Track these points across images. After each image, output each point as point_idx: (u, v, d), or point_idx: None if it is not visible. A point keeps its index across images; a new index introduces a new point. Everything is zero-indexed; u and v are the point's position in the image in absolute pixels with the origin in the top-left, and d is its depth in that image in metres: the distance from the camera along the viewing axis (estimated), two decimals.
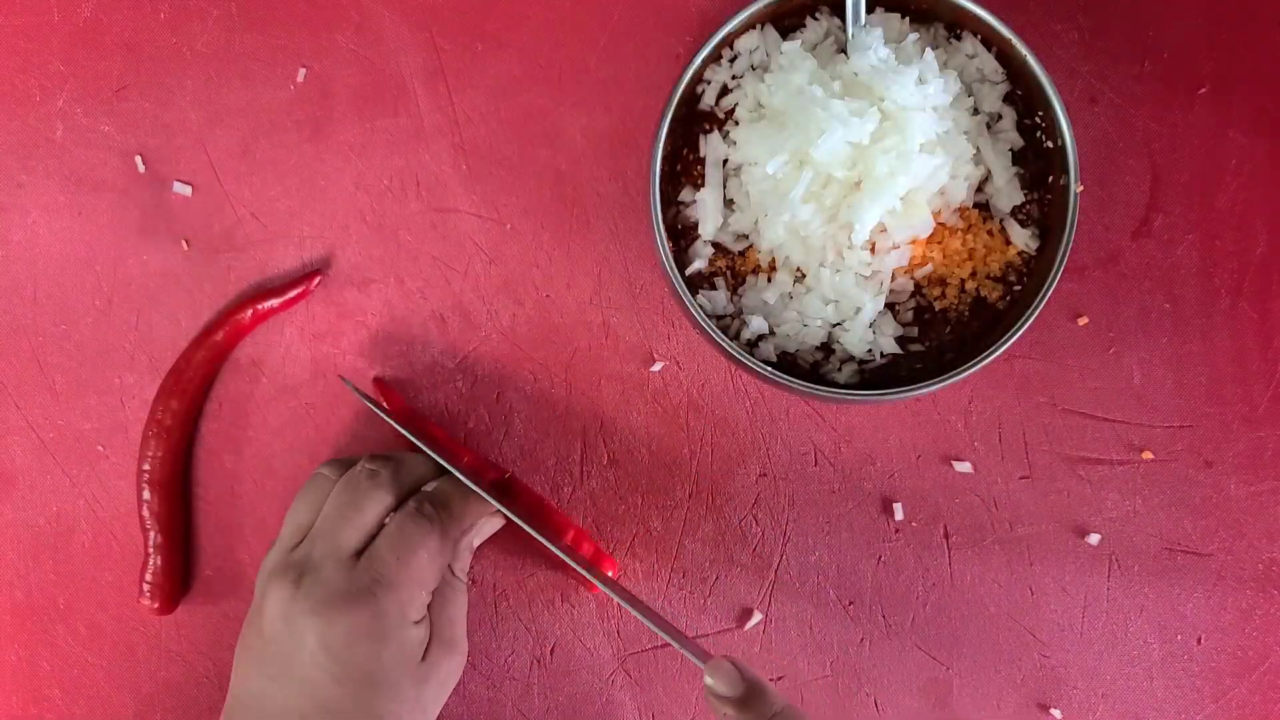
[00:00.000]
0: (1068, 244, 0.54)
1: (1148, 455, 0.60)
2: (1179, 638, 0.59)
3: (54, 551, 0.59)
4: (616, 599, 0.54)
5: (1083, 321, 0.60)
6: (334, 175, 0.60)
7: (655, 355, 0.60)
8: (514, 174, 0.61)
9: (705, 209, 0.57)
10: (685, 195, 0.58)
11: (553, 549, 0.54)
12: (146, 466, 0.57)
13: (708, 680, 0.48)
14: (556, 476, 0.60)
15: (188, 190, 0.60)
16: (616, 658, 0.59)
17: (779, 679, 0.59)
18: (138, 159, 0.61)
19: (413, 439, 0.56)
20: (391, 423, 0.55)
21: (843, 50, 0.56)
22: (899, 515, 0.60)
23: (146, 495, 0.57)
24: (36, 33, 0.61)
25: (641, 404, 0.60)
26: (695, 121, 0.58)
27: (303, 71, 0.61)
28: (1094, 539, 0.59)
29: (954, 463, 0.60)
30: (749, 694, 0.48)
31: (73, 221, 0.60)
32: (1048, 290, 0.54)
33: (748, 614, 0.59)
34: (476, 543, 0.57)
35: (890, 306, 0.57)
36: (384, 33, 0.61)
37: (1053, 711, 0.59)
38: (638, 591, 0.59)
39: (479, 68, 0.61)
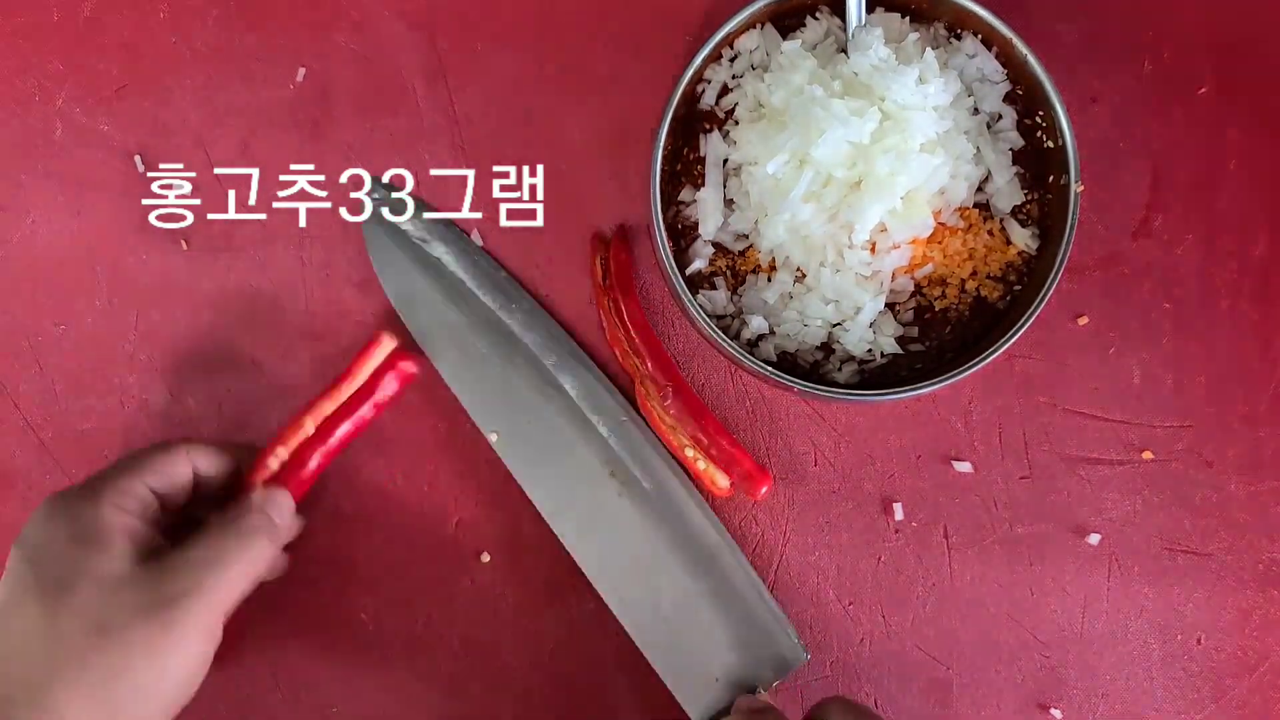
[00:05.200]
0: (1068, 244, 0.53)
1: (1148, 455, 0.58)
2: (1179, 637, 0.58)
3: None
4: None
5: (1083, 321, 0.59)
6: (334, 175, 0.59)
7: None
8: (514, 174, 0.59)
9: (705, 209, 0.55)
10: (685, 195, 0.56)
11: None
12: None
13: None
14: None
15: (188, 189, 0.58)
16: (616, 657, 0.58)
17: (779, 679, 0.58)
18: (137, 159, 0.59)
19: None
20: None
21: (843, 50, 0.55)
22: (899, 515, 0.58)
23: None
24: (36, 33, 0.59)
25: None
26: (695, 121, 0.56)
27: (302, 71, 0.59)
28: (1094, 539, 0.58)
29: (954, 463, 0.58)
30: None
31: (72, 221, 0.59)
32: (1048, 290, 0.53)
33: None
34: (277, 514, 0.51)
35: (890, 306, 0.56)
36: (384, 33, 0.59)
37: (1053, 711, 0.57)
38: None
39: (479, 68, 0.60)
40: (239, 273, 0.59)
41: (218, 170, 0.59)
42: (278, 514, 0.50)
